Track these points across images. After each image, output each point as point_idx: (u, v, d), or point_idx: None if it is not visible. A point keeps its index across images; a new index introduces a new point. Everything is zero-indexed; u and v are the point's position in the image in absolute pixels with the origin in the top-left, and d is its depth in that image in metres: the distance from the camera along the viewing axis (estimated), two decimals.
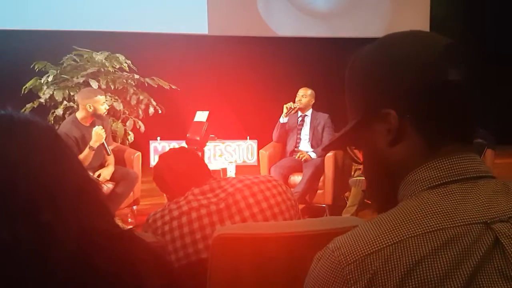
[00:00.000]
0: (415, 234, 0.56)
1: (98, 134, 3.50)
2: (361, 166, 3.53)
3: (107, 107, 3.77)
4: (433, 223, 0.56)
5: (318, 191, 4.02)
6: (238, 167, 4.34)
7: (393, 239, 0.56)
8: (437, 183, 0.60)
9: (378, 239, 0.57)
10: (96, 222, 0.62)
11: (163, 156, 1.73)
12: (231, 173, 4.16)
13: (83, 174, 0.65)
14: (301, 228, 1.38)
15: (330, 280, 0.58)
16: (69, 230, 0.57)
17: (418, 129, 0.63)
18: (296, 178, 4.05)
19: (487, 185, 0.61)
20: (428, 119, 0.62)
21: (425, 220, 0.57)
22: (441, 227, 0.56)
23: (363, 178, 3.49)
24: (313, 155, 4.14)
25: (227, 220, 1.42)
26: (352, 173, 4.10)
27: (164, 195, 3.55)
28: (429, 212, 0.58)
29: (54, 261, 0.56)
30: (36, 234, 0.55)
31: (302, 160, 4.06)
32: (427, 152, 0.62)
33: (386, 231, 0.57)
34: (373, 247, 0.56)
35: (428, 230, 0.56)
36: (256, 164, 4.53)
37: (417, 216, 0.58)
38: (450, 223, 0.56)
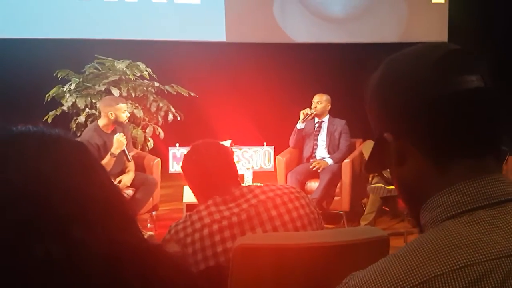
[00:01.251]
0: (443, 272, 0.52)
1: (119, 141, 3.58)
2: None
3: (128, 115, 3.85)
4: (461, 259, 0.52)
5: (335, 198, 4.03)
6: (255, 173, 4.37)
7: (419, 278, 0.52)
8: (461, 210, 0.57)
9: (403, 279, 0.53)
10: (125, 237, 0.62)
11: (194, 148, 1.66)
12: (248, 179, 4.20)
13: (112, 189, 0.65)
14: (322, 239, 1.42)
15: None
16: (100, 245, 0.57)
17: (419, 149, 0.61)
18: (313, 185, 4.08)
19: None
20: (427, 137, 0.60)
21: (452, 256, 0.53)
22: (469, 263, 0.52)
23: (381, 185, 3.51)
24: (330, 161, 4.16)
25: (248, 233, 1.43)
26: (370, 179, 4.10)
27: (183, 200, 3.63)
28: (456, 246, 0.54)
29: (85, 277, 0.56)
30: (68, 250, 0.55)
31: (319, 170, 4.07)
32: (435, 172, 0.60)
33: (411, 269, 0.53)
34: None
35: (456, 267, 0.52)
36: (273, 170, 4.56)
37: (443, 251, 0.54)
38: (479, 257, 0.52)
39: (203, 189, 1.57)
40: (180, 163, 4.59)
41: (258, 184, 4.05)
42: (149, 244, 0.66)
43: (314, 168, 4.09)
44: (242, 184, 1.64)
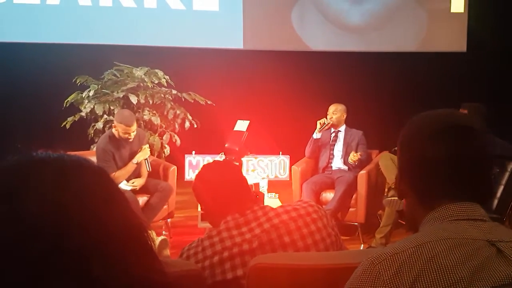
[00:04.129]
0: (431, 240, 0.77)
1: (145, 151, 3.70)
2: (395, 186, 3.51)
3: (129, 137, 3.63)
4: (445, 235, 0.77)
5: (351, 209, 3.99)
6: (270, 182, 4.37)
7: (414, 244, 0.77)
8: (449, 219, 0.82)
9: (402, 245, 0.78)
10: (146, 272, 0.60)
11: (206, 169, 1.64)
12: (263, 188, 4.19)
13: (133, 219, 0.63)
14: (338, 260, 1.40)
15: (365, 275, 0.77)
16: (120, 282, 0.56)
17: (412, 191, 0.89)
18: (328, 195, 4.05)
19: (487, 223, 0.81)
20: (417, 186, 0.87)
21: (439, 233, 0.78)
22: (451, 236, 0.77)
23: (397, 198, 3.47)
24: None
25: None
26: (385, 192, 4.06)
27: (198, 208, 3.63)
28: (442, 229, 0.79)
29: None
30: None
31: (355, 161, 4.03)
32: (422, 209, 0.86)
33: (408, 240, 0.79)
34: (398, 249, 0.77)
35: (441, 238, 0.76)
36: (288, 179, 4.55)
37: (432, 232, 0.80)
38: (459, 235, 0.77)
39: (216, 209, 1.55)
40: (196, 171, 4.60)
41: (273, 195, 4.06)
42: (170, 280, 0.65)
43: (353, 161, 4.03)
44: (255, 202, 1.58)
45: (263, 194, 2.13)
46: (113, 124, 3.73)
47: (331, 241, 1.48)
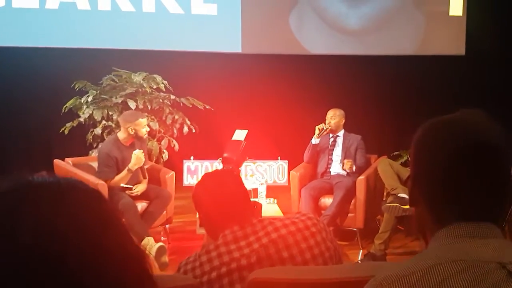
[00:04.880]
0: (441, 262, 0.75)
1: (138, 158, 3.62)
2: (394, 191, 3.52)
3: (148, 129, 3.87)
4: (456, 256, 0.75)
5: (349, 214, 3.99)
6: (268, 187, 4.36)
7: (424, 266, 0.75)
8: (461, 238, 0.80)
9: (411, 266, 0.76)
10: None
11: (207, 178, 1.63)
12: (262, 194, 4.19)
13: (130, 243, 0.62)
14: (337, 274, 1.39)
15: None
16: None
17: (424, 199, 0.86)
18: (327, 200, 4.04)
19: (500, 242, 0.79)
20: (432, 197, 0.84)
21: (449, 255, 0.76)
22: (462, 258, 0.75)
23: (396, 204, 3.47)
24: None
25: None
26: (384, 197, 4.06)
27: (197, 213, 3.63)
28: (453, 250, 0.77)
29: None
30: None
31: (348, 169, 4.02)
32: (432, 219, 0.84)
33: (418, 261, 0.77)
34: (407, 271, 0.75)
35: (451, 260, 0.75)
36: (287, 184, 4.54)
37: (442, 252, 0.78)
38: (469, 257, 0.75)
39: (215, 220, 1.53)
40: (195, 177, 4.58)
41: (271, 201, 4.05)
42: None
43: (348, 168, 4.02)
44: (254, 213, 1.57)
45: (261, 205, 2.11)
46: (127, 127, 3.70)
47: (329, 255, 1.46)
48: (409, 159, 0.94)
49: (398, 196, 3.48)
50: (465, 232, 0.80)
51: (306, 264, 1.42)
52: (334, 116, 4.30)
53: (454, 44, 6.30)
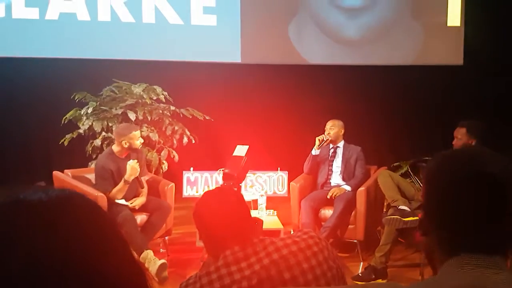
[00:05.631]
0: (460, 285, 0.77)
1: (133, 168, 3.61)
2: (395, 203, 3.51)
3: (142, 141, 3.87)
4: (471, 282, 0.78)
5: (350, 226, 3.98)
6: (268, 198, 4.35)
7: None
8: (467, 269, 0.82)
9: None
10: None
11: (208, 196, 1.61)
12: (261, 205, 4.18)
13: (131, 261, 0.59)
14: None
15: None
16: None
17: (436, 231, 0.87)
18: (327, 212, 4.03)
19: (505, 275, 0.81)
20: (442, 227, 0.86)
21: (464, 281, 0.78)
22: (477, 284, 0.77)
23: (397, 216, 3.46)
24: (348, 188, 4.10)
25: None
26: (385, 209, 4.05)
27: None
28: (458, 279, 0.79)
29: None
30: None
31: (334, 196, 4.03)
32: (440, 249, 0.86)
33: (432, 285, 0.80)
34: None
35: (469, 285, 0.77)
36: (287, 195, 4.53)
37: (448, 282, 0.80)
38: (481, 284, 0.77)
39: (216, 239, 1.52)
40: (194, 188, 4.55)
41: (271, 213, 4.03)
42: None
43: (332, 196, 4.04)
44: (255, 231, 1.56)
45: (262, 221, 2.10)
46: (121, 140, 3.71)
47: (332, 275, 1.43)
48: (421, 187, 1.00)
49: (399, 208, 3.47)
50: (475, 264, 0.81)
51: (308, 285, 1.39)
52: (333, 127, 4.30)
53: (452, 54, 6.33)
